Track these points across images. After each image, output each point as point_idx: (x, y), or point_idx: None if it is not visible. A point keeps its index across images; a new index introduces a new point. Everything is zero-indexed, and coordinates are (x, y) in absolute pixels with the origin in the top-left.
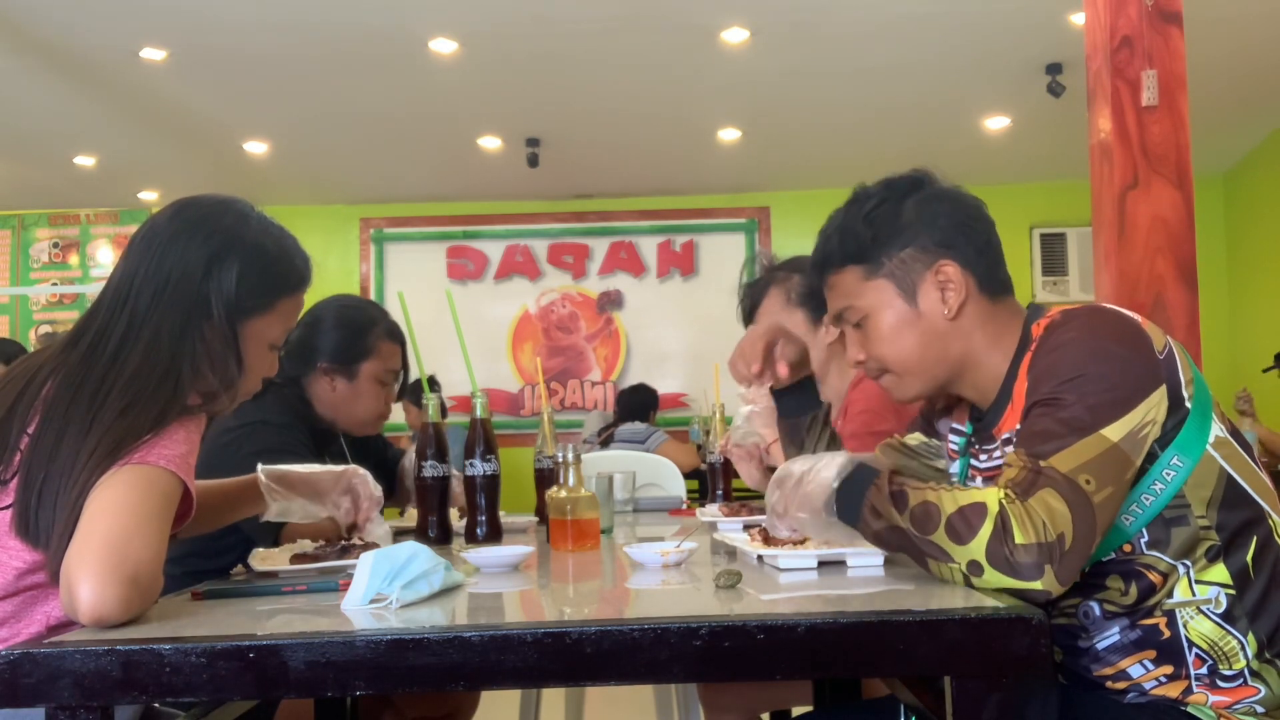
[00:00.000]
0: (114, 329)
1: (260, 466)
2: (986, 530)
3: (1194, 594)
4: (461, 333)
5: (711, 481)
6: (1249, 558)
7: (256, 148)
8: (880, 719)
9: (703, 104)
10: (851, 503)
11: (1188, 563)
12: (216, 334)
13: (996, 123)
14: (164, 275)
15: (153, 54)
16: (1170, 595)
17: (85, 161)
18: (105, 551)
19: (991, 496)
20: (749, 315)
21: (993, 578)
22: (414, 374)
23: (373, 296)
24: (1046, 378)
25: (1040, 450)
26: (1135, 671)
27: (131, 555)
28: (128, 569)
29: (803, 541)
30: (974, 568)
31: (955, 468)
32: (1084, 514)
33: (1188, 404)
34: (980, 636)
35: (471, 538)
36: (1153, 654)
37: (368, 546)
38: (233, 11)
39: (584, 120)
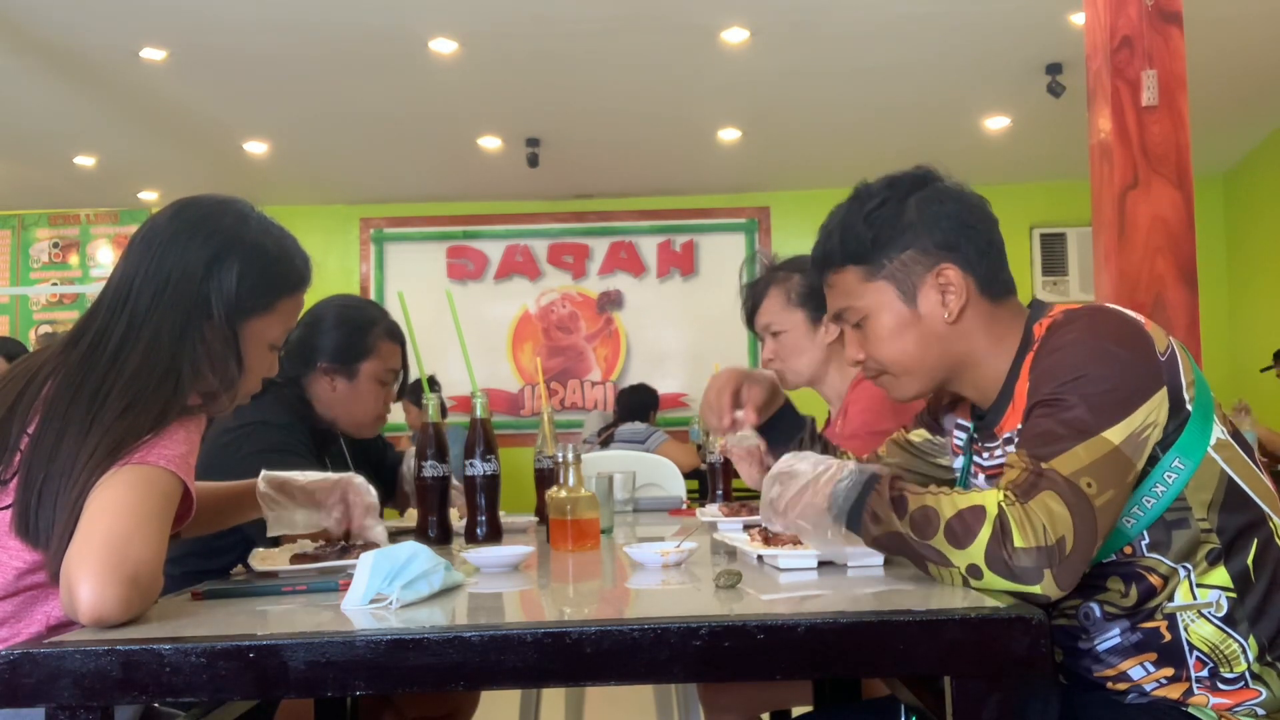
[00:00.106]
0: (114, 329)
1: (262, 474)
2: (985, 533)
3: (1195, 598)
4: (461, 333)
5: (711, 481)
6: (1249, 561)
7: (256, 148)
8: (880, 719)
9: (703, 104)
10: (853, 508)
11: (1188, 566)
12: (217, 334)
13: (996, 123)
14: (164, 275)
15: (153, 54)
16: (1171, 598)
17: (85, 161)
18: (105, 551)
19: (990, 499)
20: (750, 315)
21: (991, 580)
22: (414, 374)
23: (373, 296)
24: (1048, 378)
25: (1042, 452)
26: (1136, 673)
27: (131, 555)
28: (128, 569)
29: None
30: (973, 571)
31: (959, 463)
32: (1085, 518)
33: (1189, 406)
34: (980, 636)
35: (471, 538)
36: (1153, 656)
37: (368, 546)
38: (233, 11)
39: (584, 120)
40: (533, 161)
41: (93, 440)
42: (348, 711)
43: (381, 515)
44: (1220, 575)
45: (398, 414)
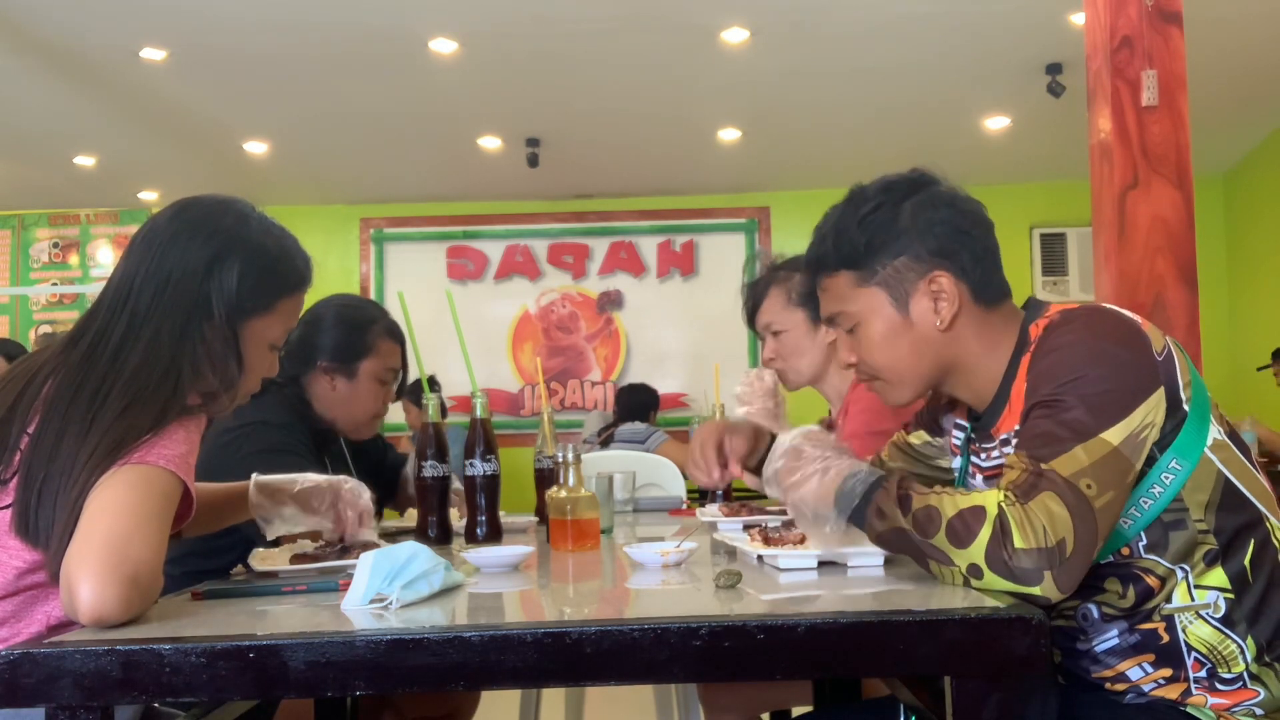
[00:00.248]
0: (114, 329)
1: (253, 480)
2: (985, 534)
3: (1192, 599)
4: (461, 333)
5: None
6: (1247, 561)
7: (256, 148)
8: (880, 719)
9: (703, 104)
10: (859, 503)
11: (1186, 567)
12: (217, 334)
13: (996, 123)
14: (164, 275)
15: (153, 54)
16: (1169, 600)
17: (85, 161)
18: (105, 551)
19: (991, 500)
20: (751, 315)
21: (992, 581)
22: (414, 374)
23: (373, 296)
24: (1046, 379)
25: (1041, 453)
26: (1134, 674)
27: (131, 555)
28: (128, 569)
29: (802, 541)
30: (974, 570)
31: (957, 464)
32: (1085, 519)
33: (1186, 406)
34: (980, 636)
35: (471, 538)
36: (1151, 657)
37: (368, 546)
38: (233, 11)
39: (584, 120)
40: (533, 161)
41: (93, 440)
42: (348, 712)
43: (381, 516)
44: (1218, 576)
45: (397, 414)
